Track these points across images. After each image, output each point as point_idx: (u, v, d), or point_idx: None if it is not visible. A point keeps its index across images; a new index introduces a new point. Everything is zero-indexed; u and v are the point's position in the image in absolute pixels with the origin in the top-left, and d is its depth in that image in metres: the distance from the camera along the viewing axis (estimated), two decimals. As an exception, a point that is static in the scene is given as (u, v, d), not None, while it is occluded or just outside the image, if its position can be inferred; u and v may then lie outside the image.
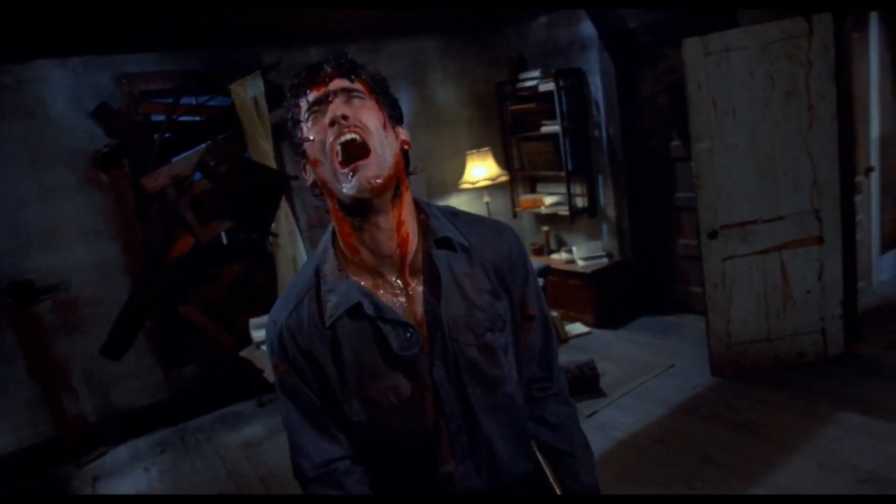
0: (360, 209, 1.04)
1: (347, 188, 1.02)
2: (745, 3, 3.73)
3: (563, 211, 5.03)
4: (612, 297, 4.82)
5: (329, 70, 1.07)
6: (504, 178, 5.05)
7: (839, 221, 3.56)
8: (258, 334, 4.01)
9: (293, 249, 4.41)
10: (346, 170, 1.01)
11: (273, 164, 4.28)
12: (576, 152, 4.91)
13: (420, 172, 5.00)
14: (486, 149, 5.01)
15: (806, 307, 3.65)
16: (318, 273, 1.12)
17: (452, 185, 5.24)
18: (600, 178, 4.94)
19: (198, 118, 4.24)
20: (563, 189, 5.06)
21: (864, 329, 3.91)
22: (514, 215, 5.50)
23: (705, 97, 3.47)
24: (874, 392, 3.32)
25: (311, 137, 1.05)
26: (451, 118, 5.27)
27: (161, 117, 4.05)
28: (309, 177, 1.11)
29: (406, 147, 1.14)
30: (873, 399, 3.25)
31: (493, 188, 5.13)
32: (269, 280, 4.43)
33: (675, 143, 4.57)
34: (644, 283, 4.92)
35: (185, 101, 4.11)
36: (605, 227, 5.02)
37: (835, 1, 3.36)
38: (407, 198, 1.11)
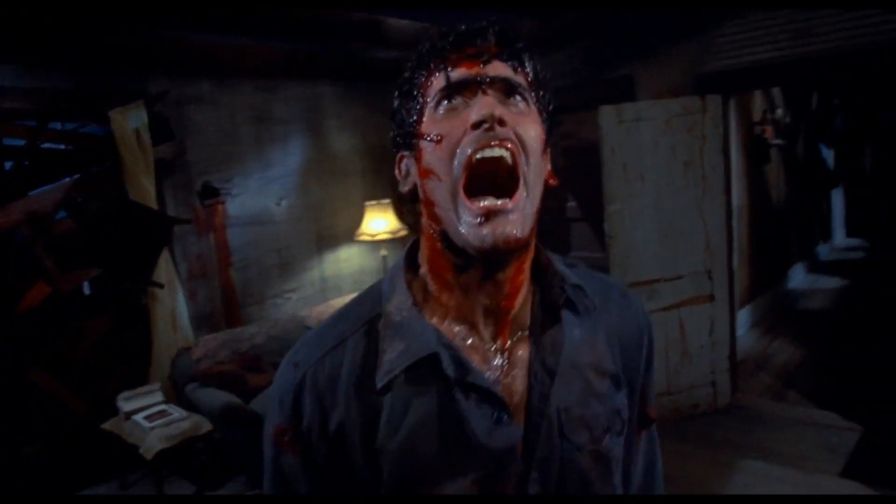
0: (480, 263, 0.74)
1: (473, 236, 0.70)
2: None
3: (460, 266, 4.99)
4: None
5: (490, 43, 0.75)
6: (404, 233, 4.92)
7: (727, 281, 3.91)
8: (128, 405, 3.40)
9: (172, 302, 3.86)
10: (475, 206, 0.71)
11: (154, 205, 3.76)
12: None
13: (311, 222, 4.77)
14: (388, 201, 4.87)
15: (700, 361, 3.92)
16: (381, 304, 0.79)
17: (345, 237, 5.00)
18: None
19: (66, 146, 3.61)
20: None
21: (738, 380, 4.29)
22: (406, 270, 5.36)
23: (618, 162, 3.68)
24: (765, 439, 3.60)
25: (437, 134, 0.73)
26: (345, 168, 5.07)
27: (20, 142, 3.38)
28: (407, 181, 0.80)
29: (552, 185, 0.83)
30: (767, 446, 3.52)
31: (389, 242, 4.96)
32: (142, 339, 3.81)
33: (571, 203, 4.80)
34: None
35: (52, 125, 3.48)
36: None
37: (724, 84, 3.77)
38: (533, 244, 0.81)
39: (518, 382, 0.77)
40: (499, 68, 0.74)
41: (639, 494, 0.92)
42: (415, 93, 0.77)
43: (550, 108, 0.82)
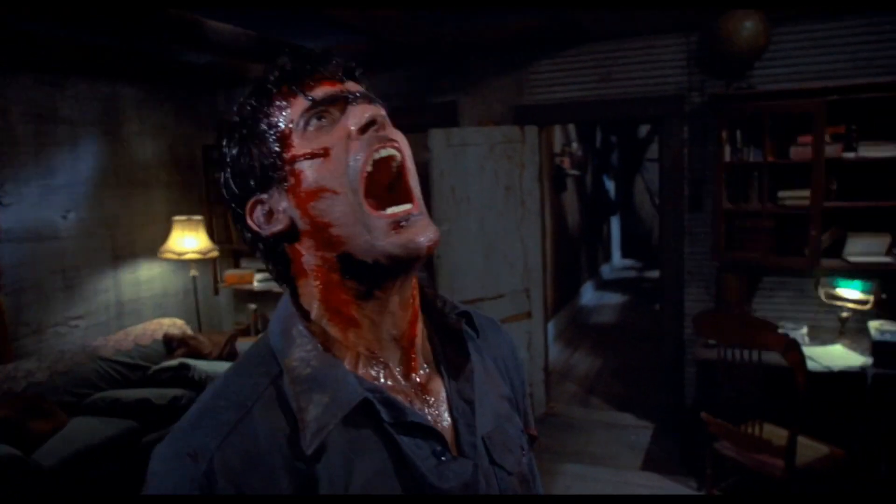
0: (391, 273, 0.69)
1: (392, 245, 0.67)
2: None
3: (278, 288, 4.70)
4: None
5: (339, 66, 0.73)
6: (215, 254, 4.54)
7: (542, 298, 4.21)
8: None
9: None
10: (385, 215, 0.67)
11: None
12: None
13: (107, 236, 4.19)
14: (199, 218, 4.46)
15: (518, 374, 4.15)
16: (278, 363, 0.69)
17: (146, 256, 4.47)
18: (317, 254, 4.85)
19: None
20: (276, 264, 4.82)
21: (550, 390, 4.62)
22: (217, 292, 4.96)
23: (446, 184, 3.78)
24: (578, 443, 3.91)
25: (321, 147, 0.68)
26: (148, 179, 4.56)
27: None
28: (274, 222, 0.71)
29: None
30: (581, 449, 3.83)
31: (198, 263, 4.55)
32: None
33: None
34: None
35: None
36: (320, 304, 4.89)
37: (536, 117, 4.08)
38: None
39: (442, 417, 0.73)
40: (356, 87, 0.74)
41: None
42: (267, 125, 0.71)
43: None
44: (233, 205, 0.74)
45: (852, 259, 3.21)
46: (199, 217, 4.46)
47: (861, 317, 3.27)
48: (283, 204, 0.71)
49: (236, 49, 3.92)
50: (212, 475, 0.61)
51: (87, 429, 3.20)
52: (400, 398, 0.70)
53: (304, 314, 0.72)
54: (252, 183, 0.72)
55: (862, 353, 3.09)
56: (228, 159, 0.74)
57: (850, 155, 3.19)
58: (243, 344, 4.33)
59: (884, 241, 3.20)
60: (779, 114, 3.26)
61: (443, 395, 0.75)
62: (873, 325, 3.13)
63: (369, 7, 3.24)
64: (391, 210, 0.68)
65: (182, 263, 4.56)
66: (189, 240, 4.35)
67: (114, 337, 3.95)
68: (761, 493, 2.91)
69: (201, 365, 3.82)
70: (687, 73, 3.63)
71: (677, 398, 3.89)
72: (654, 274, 7.66)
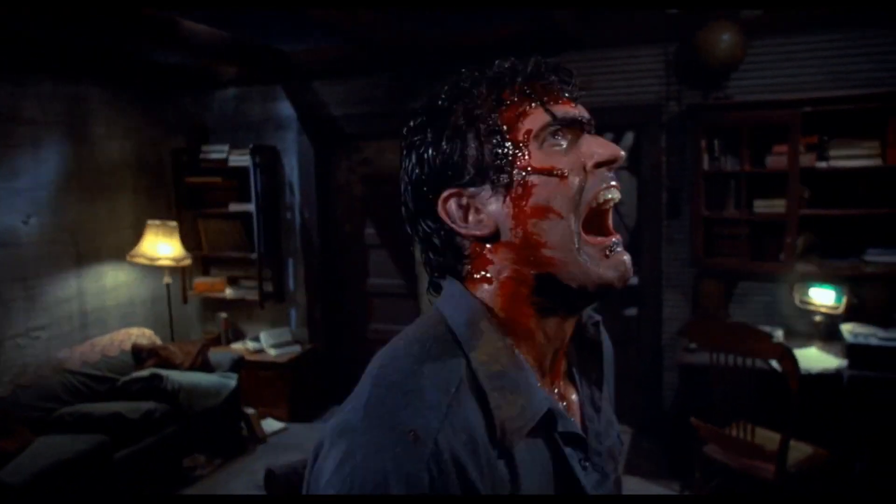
0: (589, 298, 0.70)
1: (604, 270, 0.68)
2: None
3: (251, 296, 4.62)
4: (306, 388, 4.58)
5: (576, 83, 0.73)
6: (188, 262, 4.39)
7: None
8: None
9: None
10: (600, 242, 0.69)
11: None
12: (267, 234, 4.63)
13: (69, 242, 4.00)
14: (174, 224, 4.32)
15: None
16: (465, 355, 0.66)
17: (111, 261, 4.30)
18: (290, 262, 4.75)
19: None
20: (247, 272, 4.70)
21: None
22: (185, 300, 4.80)
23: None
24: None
25: (560, 170, 0.68)
26: (115, 183, 4.38)
27: None
28: (478, 224, 0.69)
29: None
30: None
31: (169, 269, 4.39)
32: None
33: (370, 230, 4.76)
34: (335, 370, 4.83)
35: None
36: (293, 313, 4.79)
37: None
38: None
39: (577, 425, 0.75)
40: (585, 111, 0.73)
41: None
42: (500, 123, 0.69)
43: None
44: (417, 190, 0.72)
45: (825, 265, 3.32)
46: (174, 223, 4.31)
47: (833, 320, 3.38)
48: (492, 206, 0.69)
49: (211, 50, 3.83)
50: (439, 458, 0.57)
51: (56, 445, 3.04)
52: (560, 406, 0.73)
53: (488, 308, 0.70)
54: (459, 174, 0.70)
55: (836, 355, 3.19)
56: (430, 142, 0.71)
57: (823, 164, 3.31)
58: (216, 354, 4.20)
59: (854, 246, 3.32)
60: (755, 124, 3.36)
61: (576, 402, 0.78)
62: (846, 328, 3.24)
63: (353, 7, 3.20)
64: (601, 239, 0.70)
65: (149, 271, 4.40)
66: (163, 246, 4.19)
67: (80, 348, 3.77)
68: (750, 495, 2.96)
69: (174, 375, 3.68)
70: (665, 82, 3.70)
71: (655, 403, 3.94)
72: (620, 280, 7.77)
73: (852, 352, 3.06)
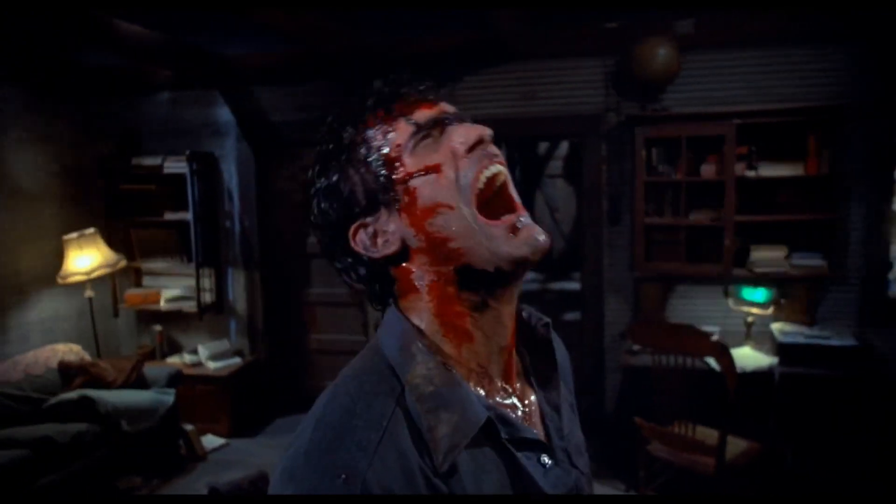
0: (509, 277, 0.71)
1: (514, 247, 0.70)
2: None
3: (188, 307, 4.45)
4: (248, 401, 4.44)
5: (429, 86, 0.78)
6: (124, 263, 4.18)
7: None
8: None
9: None
10: (501, 222, 0.71)
11: None
12: (205, 243, 4.47)
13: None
14: (92, 231, 4.09)
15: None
16: (399, 382, 0.68)
17: (32, 273, 4.04)
18: (230, 271, 4.61)
19: None
20: (183, 282, 4.53)
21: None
22: (116, 314, 4.57)
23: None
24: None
25: (434, 164, 0.70)
26: (33, 192, 4.13)
27: None
28: (385, 244, 0.73)
29: None
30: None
31: (94, 281, 4.17)
32: None
33: (312, 238, 4.68)
34: (277, 382, 4.70)
35: None
36: (233, 324, 4.64)
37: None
38: None
39: (537, 425, 0.77)
40: (452, 109, 0.76)
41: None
42: (369, 150, 0.73)
43: None
44: (330, 233, 0.76)
45: (756, 268, 3.51)
46: (91, 230, 4.08)
47: (764, 320, 3.58)
48: (391, 225, 0.72)
49: (143, 52, 3.68)
50: (369, 496, 0.60)
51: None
52: (508, 412, 0.73)
53: (419, 330, 0.72)
54: (355, 208, 0.74)
55: (767, 353, 3.38)
56: (324, 187, 0.75)
57: (752, 174, 3.50)
58: (152, 369, 4.01)
59: (781, 251, 3.53)
60: (690, 135, 3.52)
61: (535, 403, 0.79)
62: (776, 327, 3.43)
63: (295, 9, 3.14)
64: (505, 218, 0.71)
65: (74, 284, 4.17)
66: (84, 259, 3.97)
67: (0, 366, 3.52)
68: (691, 490, 3.08)
69: (106, 396, 3.50)
70: (605, 94, 3.83)
71: (598, 405, 4.05)
72: (558, 286, 7.96)
73: (782, 350, 3.25)
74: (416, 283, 0.73)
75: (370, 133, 0.73)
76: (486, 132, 0.72)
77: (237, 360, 4.44)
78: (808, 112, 3.42)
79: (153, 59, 3.82)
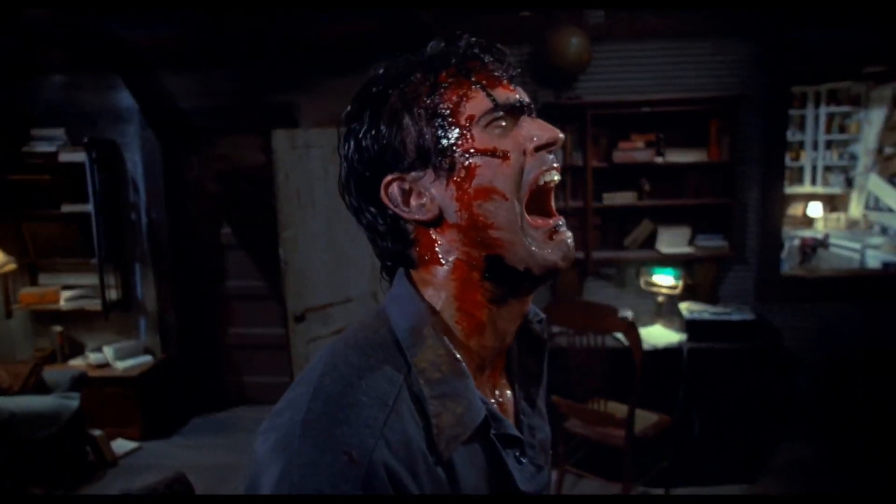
0: (536, 280, 0.71)
1: (549, 252, 0.69)
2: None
3: (92, 305, 4.18)
4: (161, 402, 4.24)
5: (512, 67, 0.73)
6: (12, 267, 3.87)
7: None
8: None
9: None
10: (544, 224, 0.70)
11: None
12: (109, 237, 4.21)
13: None
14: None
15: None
16: (406, 362, 0.66)
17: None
18: (137, 266, 4.37)
19: None
20: (87, 280, 4.26)
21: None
22: (9, 315, 4.23)
23: (291, 187, 3.62)
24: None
25: (503, 151, 0.68)
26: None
27: None
28: (423, 208, 0.69)
29: None
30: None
31: (-15, 280, 3.85)
32: None
33: (226, 230, 4.51)
34: (193, 380, 4.52)
35: None
36: (143, 321, 4.41)
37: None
38: None
39: (510, 417, 0.76)
40: (524, 95, 0.73)
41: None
42: (440, 107, 0.69)
43: None
44: (362, 175, 0.71)
45: (664, 250, 3.69)
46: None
47: (673, 300, 3.77)
48: (433, 190, 0.69)
49: (31, 30, 3.40)
50: (374, 476, 0.57)
51: None
52: (496, 408, 0.72)
53: (433, 310, 0.70)
54: (400, 159, 0.69)
55: (676, 330, 3.56)
56: (371, 128, 0.69)
57: (660, 160, 3.66)
58: (52, 373, 3.76)
59: (687, 234, 3.72)
60: (602, 122, 3.63)
61: (510, 399, 0.78)
62: (683, 306, 3.62)
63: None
64: (547, 220, 0.71)
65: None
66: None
67: None
68: (606, 462, 3.20)
69: (3, 403, 3.25)
70: (519, 82, 3.86)
71: (520, 386, 4.14)
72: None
73: (689, 327, 3.43)
74: (441, 257, 0.70)
75: (443, 88, 0.69)
76: (560, 137, 0.71)
77: (148, 360, 4.23)
78: (710, 101, 3.61)
79: (42, 38, 3.54)
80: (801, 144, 6.60)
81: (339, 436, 0.58)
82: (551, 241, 0.70)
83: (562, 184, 3.76)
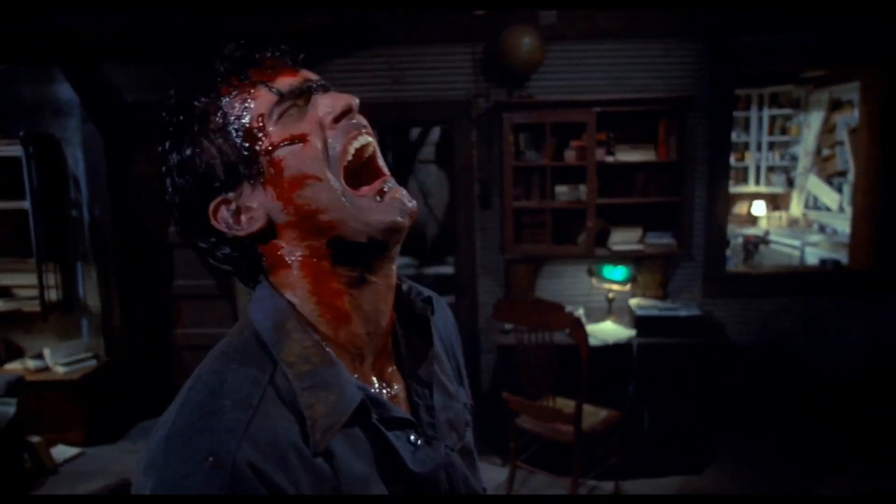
0: (383, 247, 0.70)
1: (383, 213, 0.68)
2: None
3: (31, 306, 4.01)
4: (106, 407, 4.10)
5: (287, 55, 0.73)
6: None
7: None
8: None
9: None
10: (367, 189, 0.69)
11: None
12: (49, 235, 4.04)
13: None
14: None
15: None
16: (272, 359, 0.66)
17: None
18: (79, 265, 4.21)
19: None
20: (25, 280, 4.07)
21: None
22: (-60, 317, 4.02)
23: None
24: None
25: (300, 134, 0.67)
26: None
27: None
28: (250, 222, 0.69)
29: None
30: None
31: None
32: None
33: (173, 228, 4.38)
34: (140, 382, 4.38)
35: None
36: (86, 323, 4.25)
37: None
38: None
39: (402, 402, 0.76)
40: (313, 76, 0.73)
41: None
42: (227, 120, 0.69)
43: None
44: (187, 212, 0.71)
45: (615, 248, 3.76)
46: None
47: (623, 296, 3.84)
48: (255, 200, 0.69)
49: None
50: (238, 478, 0.58)
51: None
52: (376, 392, 0.72)
53: (293, 307, 0.70)
54: (214, 183, 0.69)
55: (626, 326, 3.63)
56: (178, 162, 0.70)
57: (610, 159, 3.73)
58: (-13, 377, 3.58)
59: (637, 232, 3.79)
60: (554, 121, 3.67)
61: (401, 380, 0.78)
62: (633, 302, 3.70)
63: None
64: (369, 186, 0.70)
65: None
66: None
67: None
68: (556, 458, 3.24)
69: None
70: (474, 80, 3.90)
71: (475, 384, 4.16)
72: (433, 270, 8.05)
73: (639, 322, 3.51)
74: (287, 259, 0.70)
75: (226, 101, 0.69)
76: (354, 101, 0.70)
77: (91, 363, 4.08)
78: (658, 102, 3.69)
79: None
80: (746, 145, 6.82)
81: (200, 444, 0.58)
82: (382, 203, 0.69)
83: (517, 182, 3.79)
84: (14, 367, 4.04)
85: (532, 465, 3.28)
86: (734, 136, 6.02)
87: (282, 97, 0.68)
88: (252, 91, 0.68)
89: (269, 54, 0.71)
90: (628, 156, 3.74)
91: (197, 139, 0.69)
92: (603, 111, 3.62)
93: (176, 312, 4.46)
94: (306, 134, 0.67)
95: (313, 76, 0.72)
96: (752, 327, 4.04)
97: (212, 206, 0.69)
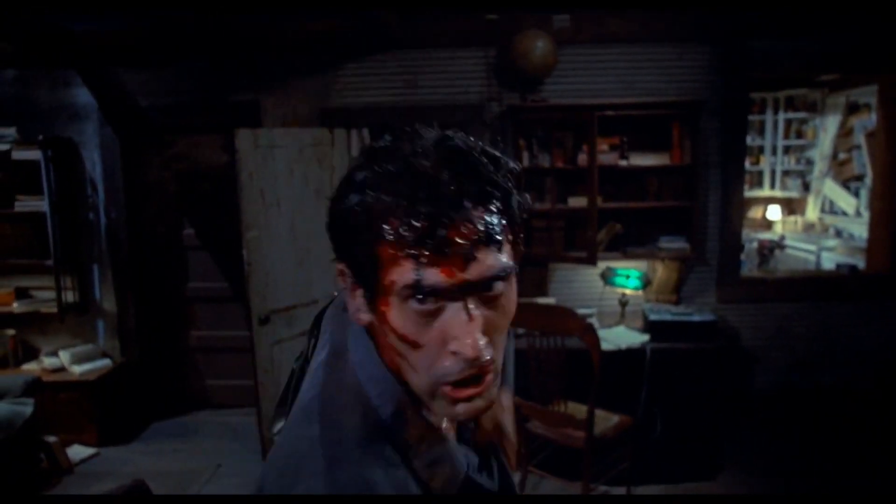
0: None
1: (442, 410, 0.70)
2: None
3: (48, 308, 4.06)
4: (119, 408, 4.14)
5: (477, 239, 0.63)
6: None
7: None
8: None
9: None
10: (452, 395, 0.67)
11: None
12: (66, 237, 4.09)
13: None
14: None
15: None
16: (388, 441, 0.70)
17: None
18: (95, 268, 4.25)
19: None
20: (42, 282, 4.13)
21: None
22: (-42, 318, 4.09)
23: (255, 187, 3.57)
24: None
25: (414, 340, 0.67)
26: None
27: None
28: (360, 312, 0.71)
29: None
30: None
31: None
32: None
33: (188, 231, 4.42)
34: (153, 384, 4.42)
35: None
36: (101, 324, 4.30)
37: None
38: None
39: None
40: (483, 266, 0.64)
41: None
42: (371, 251, 0.65)
43: (522, 219, 0.72)
44: (333, 231, 0.71)
45: (628, 252, 3.74)
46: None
47: (636, 300, 3.82)
48: (365, 302, 0.71)
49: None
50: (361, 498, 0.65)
51: None
52: (472, 455, 0.80)
53: (396, 377, 0.72)
54: (344, 255, 0.70)
55: (639, 331, 3.61)
56: (340, 210, 0.68)
57: (624, 163, 3.71)
58: (4, 378, 3.65)
59: (650, 236, 3.77)
60: (566, 125, 3.67)
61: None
62: (646, 306, 3.67)
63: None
64: (459, 391, 0.68)
65: None
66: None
67: None
68: (568, 462, 3.23)
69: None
70: (487, 84, 3.90)
71: (486, 388, 4.14)
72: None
73: (652, 327, 3.48)
74: (392, 344, 0.70)
75: (381, 239, 0.63)
76: (479, 356, 0.64)
77: (106, 363, 4.12)
78: (672, 106, 3.68)
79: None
80: (761, 149, 6.76)
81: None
82: (451, 407, 0.69)
83: (529, 185, 3.78)
84: (31, 367, 4.09)
85: (543, 470, 3.27)
86: (749, 140, 5.97)
87: (416, 286, 0.63)
88: (404, 252, 0.63)
89: (441, 241, 0.62)
90: (641, 160, 3.73)
91: (352, 232, 0.66)
92: (615, 115, 3.61)
93: (189, 315, 4.49)
94: (420, 342, 0.66)
95: (477, 274, 0.63)
96: (766, 332, 4.00)
97: (339, 265, 0.71)
